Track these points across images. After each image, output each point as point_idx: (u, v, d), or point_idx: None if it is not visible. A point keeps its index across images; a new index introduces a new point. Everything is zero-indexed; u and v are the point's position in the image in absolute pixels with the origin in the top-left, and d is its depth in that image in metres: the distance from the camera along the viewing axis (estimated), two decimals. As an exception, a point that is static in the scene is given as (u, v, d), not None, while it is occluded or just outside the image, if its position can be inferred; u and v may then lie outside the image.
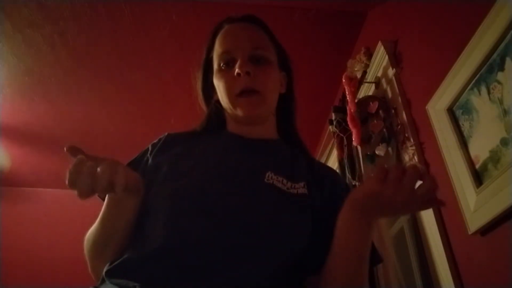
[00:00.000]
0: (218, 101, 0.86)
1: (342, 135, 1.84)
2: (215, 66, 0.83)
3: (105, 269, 0.65)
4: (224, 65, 0.81)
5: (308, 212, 0.71)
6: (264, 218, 0.66)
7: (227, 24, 0.86)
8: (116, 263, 0.64)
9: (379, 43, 1.69)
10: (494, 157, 1.03)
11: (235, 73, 0.77)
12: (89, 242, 0.73)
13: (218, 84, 0.82)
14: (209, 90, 0.88)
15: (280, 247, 0.66)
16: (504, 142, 1.00)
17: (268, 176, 0.73)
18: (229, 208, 0.66)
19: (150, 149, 0.82)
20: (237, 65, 0.77)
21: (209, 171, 0.73)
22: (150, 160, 0.79)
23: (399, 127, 1.54)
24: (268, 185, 0.71)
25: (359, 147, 1.82)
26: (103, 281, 0.65)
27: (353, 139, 1.74)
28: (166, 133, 0.86)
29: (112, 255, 0.69)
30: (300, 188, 0.73)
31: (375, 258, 0.75)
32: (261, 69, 0.79)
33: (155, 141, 0.84)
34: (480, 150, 1.10)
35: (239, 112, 0.79)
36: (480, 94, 1.11)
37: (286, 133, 0.90)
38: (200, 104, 0.92)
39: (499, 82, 1.03)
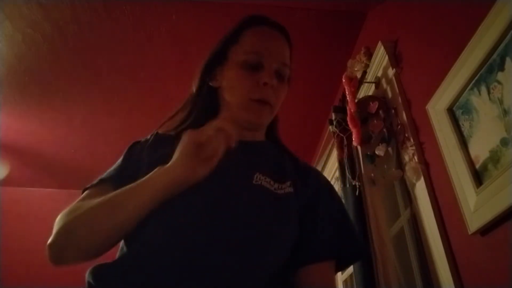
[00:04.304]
0: (212, 88, 0.85)
1: (342, 135, 1.84)
2: (238, 59, 0.81)
3: (90, 275, 0.63)
4: (247, 65, 0.80)
5: (295, 211, 0.73)
6: (254, 221, 0.67)
7: (263, 25, 0.85)
8: (104, 268, 0.63)
9: (379, 43, 1.69)
10: (494, 157, 1.03)
11: (262, 82, 0.78)
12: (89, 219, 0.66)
13: (237, 80, 0.81)
14: (208, 75, 0.87)
15: (270, 248, 0.67)
16: (504, 142, 1.00)
17: (257, 178, 0.74)
18: (218, 211, 0.67)
19: (140, 147, 0.81)
20: (265, 75, 0.78)
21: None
22: (141, 158, 0.78)
23: (399, 127, 1.54)
24: (256, 186, 0.72)
25: (359, 147, 1.82)
26: (90, 286, 0.63)
27: (353, 139, 1.74)
28: (155, 132, 0.85)
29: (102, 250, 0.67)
30: (287, 187, 0.75)
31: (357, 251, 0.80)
32: (280, 85, 0.82)
33: (142, 140, 0.84)
34: (480, 150, 1.10)
35: (247, 115, 0.80)
36: (480, 94, 1.11)
37: (271, 138, 0.91)
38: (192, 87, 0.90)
39: (499, 82, 1.03)
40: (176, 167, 0.66)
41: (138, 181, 0.67)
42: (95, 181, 0.77)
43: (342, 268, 0.80)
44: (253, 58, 0.80)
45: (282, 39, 0.85)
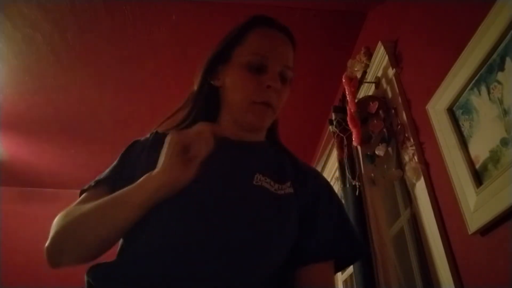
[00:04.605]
0: (213, 87, 0.85)
1: (342, 135, 1.84)
2: (243, 60, 0.80)
3: (88, 275, 0.63)
4: (251, 67, 0.79)
5: (295, 211, 0.73)
6: (255, 221, 0.67)
7: (268, 26, 0.84)
8: (103, 268, 0.63)
9: (379, 43, 1.69)
10: (494, 157, 1.03)
11: (266, 85, 0.77)
12: (80, 226, 0.67)
13: (240, 82, 0.80)
14: (210, 74, 0.86)
15: (270, 249, 0.67)
16: (504, 142, 1.00)
17: (257, 178, 0.73)
18: (219, 212, 0.67)
19: (140, 146, 0.81)
20: (269, 77, 0.78)
21: (198, 175, 0.72)
22: (140, 158, 0.77)
23: (399, 127, 1.54)
24: (257, 187, 0.72)
25: (359, 147, 1.82)
26: (90, 286, 0.63)
27: (353, 139, 1.74)
28: (154, 131, 0.84)
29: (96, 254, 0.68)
30: (287, 188, 0.75)
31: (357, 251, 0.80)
32: (283, 88, 0.81)
33: (142, 139, 0.83)
34: (480, 150, 1.10)
35: (249, 118, 0.79)
36: (480, 94, 1.11)
37: (271, 138, 0.91)
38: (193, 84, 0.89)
39: (499, 82, 1.03)
40: (165, 171, 0.66)
41: (128, 188, 0.67)
42: (92, 182, 0.77)
43: (342, 268, 0.80)
44: (257, 60, 0.79)
45: (287, 41, 0.85)
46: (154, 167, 0.69)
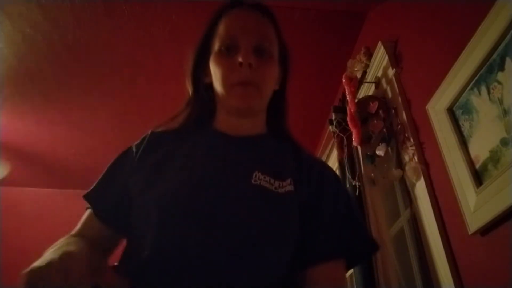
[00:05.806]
0: (207, 86, 0.83)
1: (342, 135, 1.84)
2: (215, 47, 0.79)
3: None
4: (224, 49, 0.77)
5: (296, 210, 0.71)
6: (253, 222, 0.66)
7: (236, 8, 0.82)
8: None
9: (379, 43, 1.69)
10: (494, 157, 1.03)
11: (238, 62, 0.74)
12: None
13: (215, 68, 0.78)
14: (199, 72, 0.84)
15: (270, 250, 0.66)
16: (504, 142, 1.00)
17: (255, 177, 0.71)
18: (217, 213, 0.66)
19: (134, 150, 0.80)
20: (240, 54, 0.75)
21: (196, 175, 0.72)
22: (135, 162, 0.77)
23: (399, 127, 1.54)
24: (255, 186, 0.70)
25: (359, 147, 1.83)
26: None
27: (353, 139, 1.74)
28: (150, 131, 0.83)
29: None
30: (287, 185, 0.72)
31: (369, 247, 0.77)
32: (263, 62, 0.77)
33: (138, 142, 0.82)
34: (480, 150, 1.10)
35: (233, 102, 0.77)
36: (480, 94, 1.11)
37: (275, 128, 0.88)
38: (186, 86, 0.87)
39: (499, 82, 1.03)
40: None
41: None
42: (88, 198, 0.78)
43: (353, 265, 0.77)
44: (228, 42, 0.77)
45: (260, 16, 0.81)
46: (148, 169, 0.71)
